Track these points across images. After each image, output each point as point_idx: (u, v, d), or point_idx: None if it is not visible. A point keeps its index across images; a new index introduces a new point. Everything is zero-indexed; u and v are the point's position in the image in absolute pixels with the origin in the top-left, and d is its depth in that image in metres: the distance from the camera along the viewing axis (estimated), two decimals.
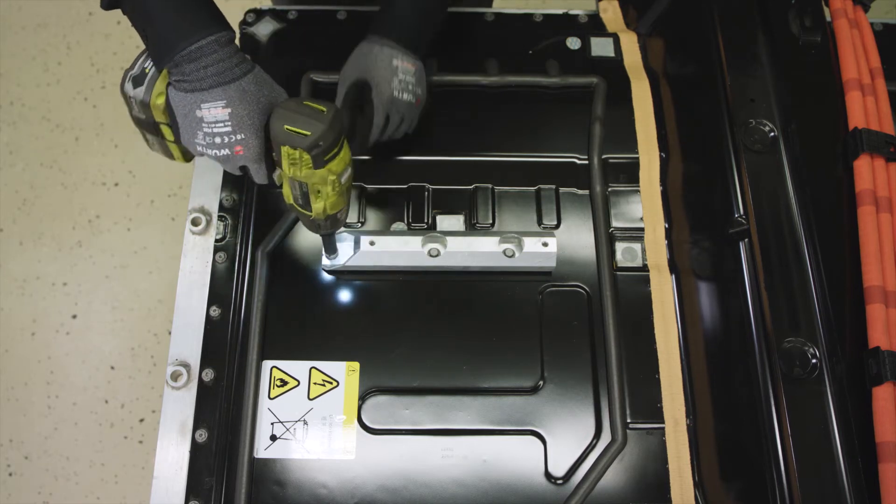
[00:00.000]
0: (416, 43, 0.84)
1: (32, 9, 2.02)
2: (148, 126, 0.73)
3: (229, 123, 0.68)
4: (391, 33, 0.82)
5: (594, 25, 1.04)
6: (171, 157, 0.78)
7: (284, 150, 0.64)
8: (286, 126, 0.63)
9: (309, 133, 0.63)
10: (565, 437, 0.80)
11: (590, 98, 0.97)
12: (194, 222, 0.88)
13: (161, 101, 0.70)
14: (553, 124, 0.96)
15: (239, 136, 0.68)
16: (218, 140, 0.69)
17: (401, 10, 0.83)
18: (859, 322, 0.71)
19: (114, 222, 1.81)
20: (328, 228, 0.76)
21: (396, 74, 0.81)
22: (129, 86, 0.71)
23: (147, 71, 0.70)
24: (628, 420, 0.80)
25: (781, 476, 0.68)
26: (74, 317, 1.73)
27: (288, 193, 0.72)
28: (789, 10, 0.88)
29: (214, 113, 0.67)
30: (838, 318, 0.72)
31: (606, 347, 0.83)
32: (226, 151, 0.69)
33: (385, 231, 0.89)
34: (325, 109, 0.64)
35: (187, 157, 0.78)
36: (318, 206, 0.71)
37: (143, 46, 0.71)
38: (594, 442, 0.79)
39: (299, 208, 0.73)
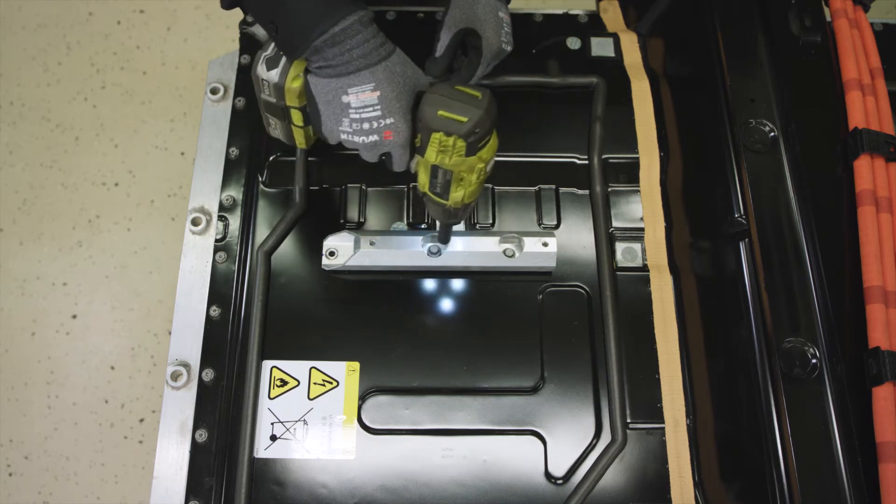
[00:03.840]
0: None
1: (32, 9, 2.02)
2: (276, 110, 0.70)
3: (379, 107, 0.64)
4: None
5: (594, 25, 1.04)
6: (292, 141, 0.75)
7: (436, 136, 0.62)
8: (441, 112, 0.61)
9: (466, 119, 0.60)
10: (565, 437, 0.80)
11: (590, 98, 0.97)
12: (194, 222, 0.88)
13: (297, 84, 0.67)
14: (553, 124, 0.96)
15: (389, 121, 0.65)
16: (366, 126, 0.65)
17: None
18: (859, 322, 0.71)
19: (114, 222, 1.81)
20: (459, 217, 0.74)
21: (503, 26, 0.82)
22: (262, 67, 0.67)
23: (282, 53, 0.67)
24: (628, 420, 0.80)
25: (781, 476, 0.68)
26: (74, 317, 1.73)
27: (424, 182, 0.68)
28: (789, 10, 0.88)
29: (363, 97, 0.64)
30: (838, 318, 0.72)
31: (606, 347, 0.83)
32: (374, 137, 0.66)
33: (385, 231, 0.89)
34: (480, 95, 0.62)
35: (309, 141, 0.75)
36: (457, 194, 0.68)
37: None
38: (594, 442, 0.79)
39: (434, 197, 0.70)
